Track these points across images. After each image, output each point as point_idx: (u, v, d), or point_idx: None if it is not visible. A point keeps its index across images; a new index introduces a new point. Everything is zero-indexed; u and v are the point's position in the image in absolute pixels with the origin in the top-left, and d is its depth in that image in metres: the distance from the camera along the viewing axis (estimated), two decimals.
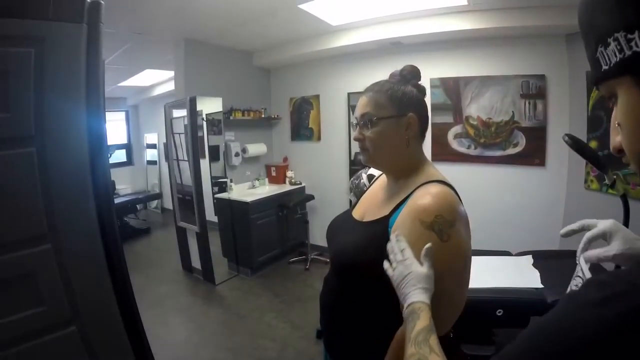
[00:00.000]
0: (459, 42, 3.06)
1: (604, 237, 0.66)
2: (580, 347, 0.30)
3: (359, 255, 0.83)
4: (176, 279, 3.64)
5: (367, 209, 0.95)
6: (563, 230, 0.74)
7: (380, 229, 0.83)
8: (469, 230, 0.76)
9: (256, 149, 4.08)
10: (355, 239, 0.87)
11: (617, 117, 0.37)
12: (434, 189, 0.78)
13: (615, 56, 0.34)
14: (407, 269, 0.65)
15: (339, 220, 1.02)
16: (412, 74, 0.91)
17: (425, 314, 0.59)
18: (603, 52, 0.35)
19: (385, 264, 0.71)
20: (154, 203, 6.52)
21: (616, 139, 0.38)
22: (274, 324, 2.71)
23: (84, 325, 0.90)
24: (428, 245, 0.68)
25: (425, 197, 0.76)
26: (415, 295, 0.62)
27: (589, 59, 0.39)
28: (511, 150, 2.97)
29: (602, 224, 0.66)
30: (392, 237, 0.73)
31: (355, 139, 0.90)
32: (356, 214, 0.97)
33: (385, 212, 0.85)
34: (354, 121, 0.93)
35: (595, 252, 0.64)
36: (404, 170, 0.89)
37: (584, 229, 0.70)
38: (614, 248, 0.62)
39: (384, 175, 1.00)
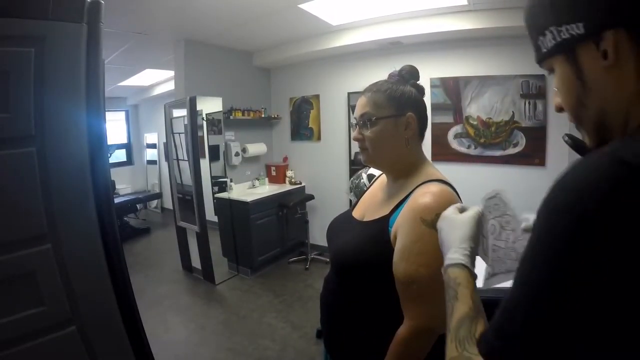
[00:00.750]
0: (459, 42, 3.06)
1: None
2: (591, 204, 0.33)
3: (359, 254, 0.83)
4: (176, 279, 3.64)
5: (368, 208, 0.95)
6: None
7: (380, 228, 0.83)
8: None
9: (256, 148, 4.07)
10: (355, 238, 0.87)
11: (555, 84, 0.50)
12: (434, 188, 0.79)
13: (551, 42, 0.47)
14: (453, 221, 0.60)
15: (339, 220, 1.02)
16: (410, 74, 0.92)
17: (463, 289, 0.49)
18: (542, 40, 0.48)
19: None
20: (154, 203, 6.52)
21: (556, 99, 0.51)
22: (274, 324, 2.71)
23: (84, 325, 0.90)
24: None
25: (425, 196, 0.77)
26: (456, 253, 0.54)
27: (532, 44, 0.52)
28: (511, 150, 2.97)
29: None
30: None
31: (355, 139, 0.90)
32: (356, 213, 0.97)
33: (386, 211, 0.85)
34: (353, 121, 0.93)
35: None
36: (404, 169, 0.89)
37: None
38: None
39: (383, 175, 1.00)
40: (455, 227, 0.59)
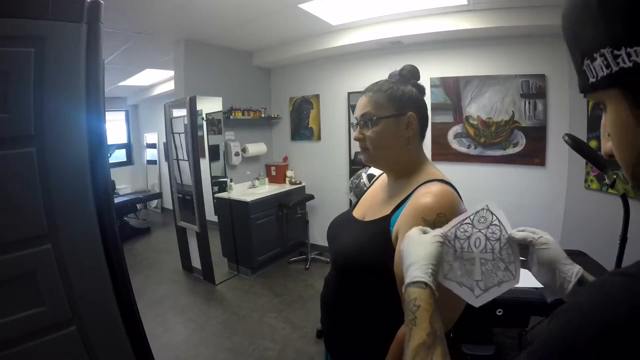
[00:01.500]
0: (459, 42, 3.06)
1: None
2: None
3: (361, 254, 0.83)
4: (176, 279, 3.64)
5: (368, 208, 0.95)
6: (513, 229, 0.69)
7: (381, 228, 0.83)
8: None
9: (256, 148, 4.07)
10: (356, 238, 0.87)
11: (606, 126, 0.38)
12: (435, 187, 0.79)
13: (602, 70, 0.34)
14: (412, 240, 0.57)
15: (340, 220, 1.02)
16: (411, 74, 0.92)
17: (423, 312, 0.46)
18: (590, 65, 0.35)
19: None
20: (154, 203, 6.52)
21: (607, 144, 0.38)
22: (274, 324, 2.71)
23: (84, 325, 0.90)
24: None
25: (426, 195, 0.77)
26: (416, 271, 0.51)
27: (575, 67, 0.39)
28: (511, 150, 2.97)
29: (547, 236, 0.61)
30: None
31: (356, 139, 0.90)
32: (357, 213, 0.97)
33: (387, 211, 0.85)
34: (354, 121, 0.93)
35: (528, 229, 0.60)
36: (405, 169, 0.89)
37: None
38: (546, 237, 0.59)
39: (384, 175, 1.01)
40: (418, 246, 0.56)
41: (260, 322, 2.73)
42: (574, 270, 0.54)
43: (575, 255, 1.94)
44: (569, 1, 0.38)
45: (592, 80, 0.35)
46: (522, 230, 0.61)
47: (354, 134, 0.92)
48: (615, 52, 0.31)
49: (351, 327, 0.87)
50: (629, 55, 0.30)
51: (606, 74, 0.33)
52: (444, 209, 0.73)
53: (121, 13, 2.54)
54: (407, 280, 0.52)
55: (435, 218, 0.72)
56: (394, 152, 0.88)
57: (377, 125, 0.86)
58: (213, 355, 2.36)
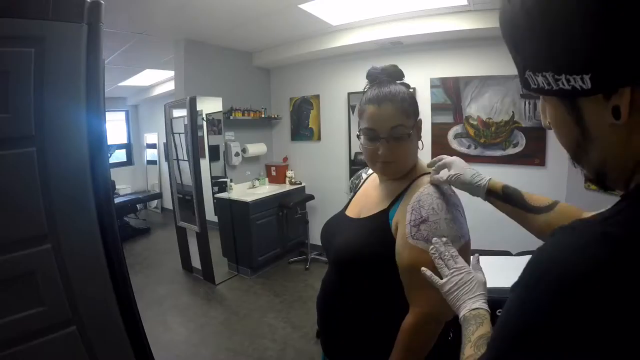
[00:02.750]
0: (459, 42, 3.06)
1: (447, 167, 0.84)
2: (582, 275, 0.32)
3: (363, 247, 0.84)
4: (176, 279, 3.64)
5: (363, 207, 0.95)
6: (430, 162, 0.90)
7: (380, 221, 0.84)
8: (464, 216, 0.83)
9: (256, 148, 4.07)
10: (357, 234, 0.87)
11: (547, 117, 0.44)
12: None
13: (543, 85, 0.38)
14: (469, 275, 0.67)
15: (334, 221, 1.02)
16: (398, 73, 0.91)
17: (488, 321, 0.60)
18: (532, 76, 0.40)
19: (435, 277, 0.69)
20: (154, 203, 6.51)
21: (546, 121, 0.45)
22: (274, 324, 2.71)
23: (84, 325, 0.90)
24: (477, 255, 0.71)
25: (425, 187, 0.82)
26: (479, 302, 0.63)
27: (515, 65, 0.43)
28: (511, 150, 2.97)
29: (446, 158, 0.86)
30: (438, 241, 0.71)
31: (386, 161, 0.84)
32: (351, 213, 0.97)
33: (384, 205, 0.87)
34: (369, 134, 0.85)
35: (436, 175, 0.83)
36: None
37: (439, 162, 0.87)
38: (448, 173, 0.82)
39: (374, 175, 1.01)
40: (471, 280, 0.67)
41: (260, 322, 2.73)
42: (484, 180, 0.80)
43: None
44: (509, 10, 0.42)
45: (533, 86, 0.40)
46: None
47: (381, 151, 0.83)
48: (556, 76, 0.36)
49: (351, 328, 0.87)
50: (568, 80, 0.36)
51: (546, 89, 0.39)
52: (440, 200, 0.80)
53: (121, 13, 2.55)
54: (474, 305, 0.63)
55: None
56: (413, 159, 0.90)
57: (410, 138, 0.84)
58: (213, 355, 2.36)
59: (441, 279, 0.68)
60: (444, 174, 0.82)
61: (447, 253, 0.69)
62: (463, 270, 0.67)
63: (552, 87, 0.38)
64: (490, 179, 0.79)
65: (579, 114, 0.38)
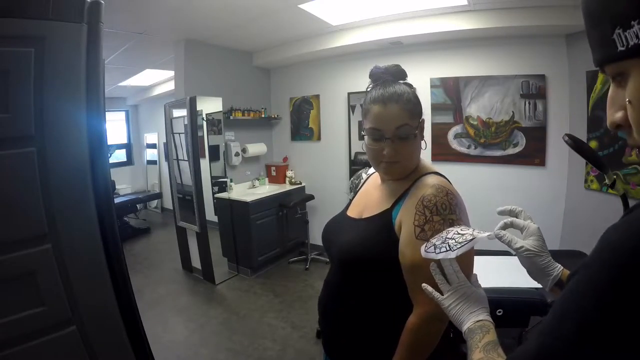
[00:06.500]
0: (459, 42, 3.06)
1: (521, 230, 0.73)
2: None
3: (368, 247, 0.83)
4: (176, 279, 3.64)
5: (365, 207, 0.94)
6: (500, 209, 0.79)
7: (383, 221, 0.84)
8: (467, 216, 0.82)
9: (256, 148, 4.08)
10: (359, 234, 0.87)
11: (627, 94, 0.39)
12: (434, 180, 0.83)
13: (634, 39, 0.35)
14: (470, 290, 0.67)
15: (335, 221, 1.02)
16: (401, 73, 0.91)
17: (493, 331, 0.61)
18: (621, 34, 0.37)
19: (436, 292, 0.68)
20: (154, 203, 6.52)
21: (616, 115, 0.40)
22: (274, 324, 2.71)
23: (84, 325, 0.90)
24: (475, 274, 0.71)
25: (427, 187, 0.81)
26: (482, 315, 0.64)
27: (596, 39, 0.40)
28: (511, 150, 2.97)
29: (530, 225, 0.72)
30: (444, 257, 0.69)
31: (391, 160, 0.83)
32: (352, 213, 0.97)
33: (387, 205, 0.86)
34: (374, 135, 0.84)
35: (503, 235, 0.69)
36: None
37: (513, 214, 0.77)
38: (526, 243, 0.69)
39: (375, 175, 1.01)
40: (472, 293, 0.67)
41: (260, 322, 2.73)
42: (555, 270, 0.68)
43: (575, 256, 1.94)
44: None
45: (620, 48, 0.37)
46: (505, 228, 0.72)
47: (386, 151, 0.82)
48: None
49: (354, 328, 0.87)
50: None
51: (637, 43, 0.35)
52: (443, 200, 0.79)
53: (121, 13, 2.54)
54: (479, 317, 0.63)
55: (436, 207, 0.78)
56: (417, 160, 0.89)
57: (416, 138, 0.84)
58: (213, 355, 2.36)
59: (442, 294, 0.67)
60: (510, 237, 0.69)
61: (451, 269, 0.68)
62: (464, 286, 0.67)
63: None
64: (562, 269, 0.68)
65: None
